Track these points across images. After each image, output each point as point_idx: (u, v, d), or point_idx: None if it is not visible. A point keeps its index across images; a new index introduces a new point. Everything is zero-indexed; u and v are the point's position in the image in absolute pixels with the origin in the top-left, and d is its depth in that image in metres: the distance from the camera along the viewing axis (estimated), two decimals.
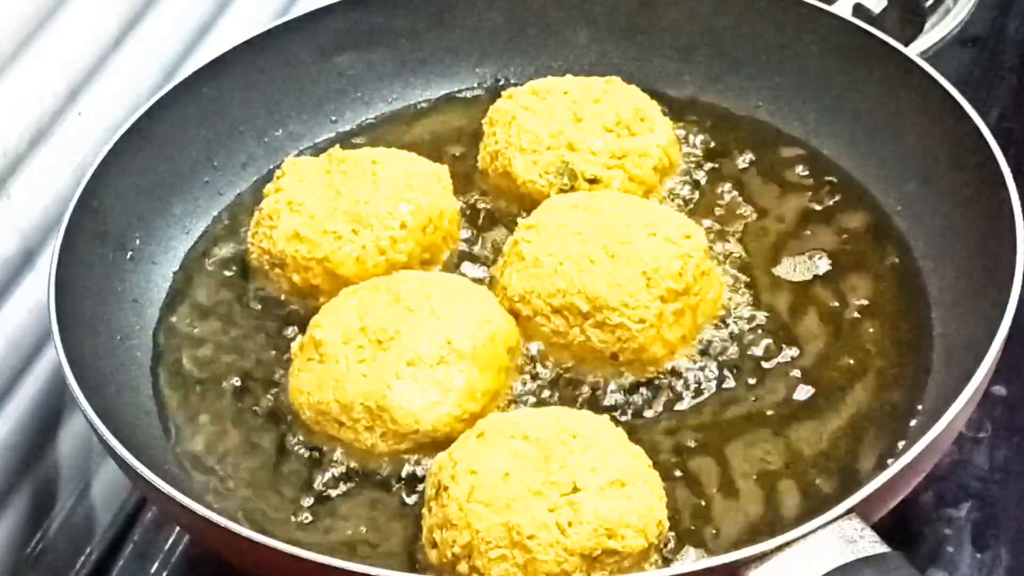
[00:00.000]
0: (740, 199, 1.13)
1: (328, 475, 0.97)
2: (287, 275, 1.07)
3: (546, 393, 1.01)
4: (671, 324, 1.00)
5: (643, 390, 1.00)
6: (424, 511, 0.92)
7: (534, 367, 1.02)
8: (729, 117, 1.21)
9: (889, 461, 0.87)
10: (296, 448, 0.99)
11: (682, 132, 1.18)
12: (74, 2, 1.09)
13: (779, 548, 0.82)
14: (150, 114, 1.13)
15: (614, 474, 0.88)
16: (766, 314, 1.04)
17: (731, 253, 1.09)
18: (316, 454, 0.98)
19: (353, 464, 0.97)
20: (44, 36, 1.06)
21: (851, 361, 1.02)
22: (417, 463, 0.97)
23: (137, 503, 1.12)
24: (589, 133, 1.12)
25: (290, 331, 1.06)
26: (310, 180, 1.09)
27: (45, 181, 1.08)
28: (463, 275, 1.08)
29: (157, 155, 1.14)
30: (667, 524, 0.91)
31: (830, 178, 1.15)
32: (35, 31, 1.05)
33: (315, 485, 0.97)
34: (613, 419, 0.95)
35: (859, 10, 1.33)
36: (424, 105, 1.25)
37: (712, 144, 1.18)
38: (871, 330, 1.03)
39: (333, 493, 0.96)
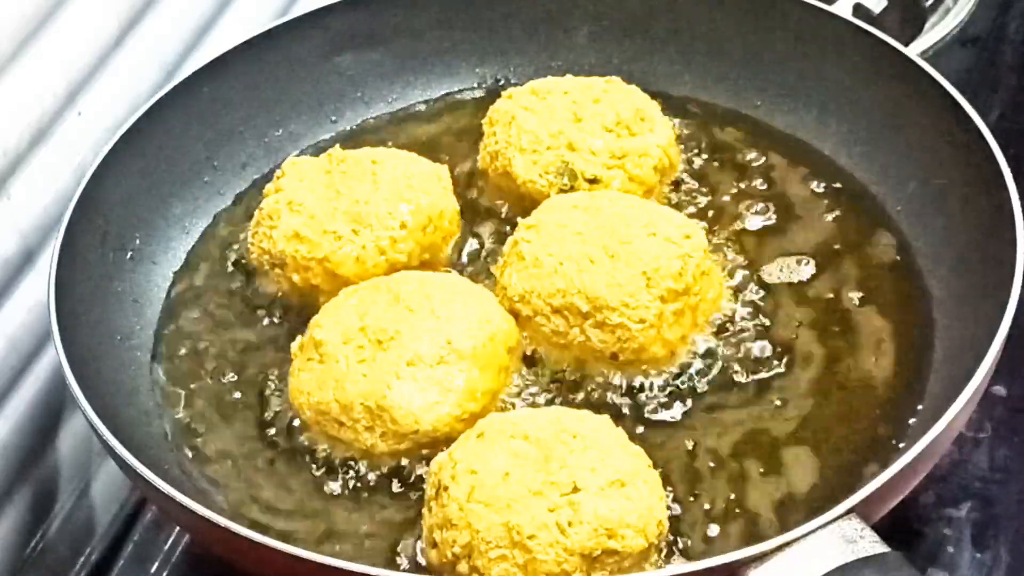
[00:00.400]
0: (740, 199, 1.13)
1: (328, 475, 0.97)
2: (287, 275, 1.07)
3: (546, 393, 1.01)
4: (671, 324, 1.00)
5: (643, 390, 1.00)
6: (424, 511, 0.92)
7: (534, 367, 1.02)
8: (729, 117, 1.21)
9: (889, 461, 0.87)
10: (296, 448, 0.99)
11: (682, 132, 1.18)
12: (74, 2, 1.09)
13: (779, 548, 0.82)
14: (150, 114, 1.13)
15: (614, 474, 0.88)
16: (766, 314, 1.04)
17: (731, 253, 1.09)
18: (316, 454, 0.98)
19: (353, 464, 0.97)
20: (44, 36, 1.06)
21: (851, 361, 1.02)
22: (417, 463, 0.97)
23: (137, 503, 1.12)
24: (589, 133, 1.11)
25: (290, 331, 1.06)
26: (310, 180, 1.09)
27: (45, 181, 1.08)
28: (463, 275, 1.08)
29: (157, 155, 1.14)
30: (667, 524, 0.91)
31: (830, 178, 1.15)
32: (35, 31, 1.05)
33: (315, 485, 0.97)
34: (613, 419, 0.95)
35: (859, 10, 1.33)
36: (424, 105, 1.25)
37: (712, 144, 1.18)
38: (871, 330, 1.03)
39: (333, 493, 0.96)
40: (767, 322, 1.04)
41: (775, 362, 1.02)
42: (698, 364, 1.01)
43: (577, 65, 1.23)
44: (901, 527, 1.00)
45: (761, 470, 0.96)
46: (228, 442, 1.01)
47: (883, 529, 0.84)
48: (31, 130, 1.06)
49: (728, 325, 1.04)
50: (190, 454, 1.00)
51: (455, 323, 0.98)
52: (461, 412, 0.96)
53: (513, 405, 1.00)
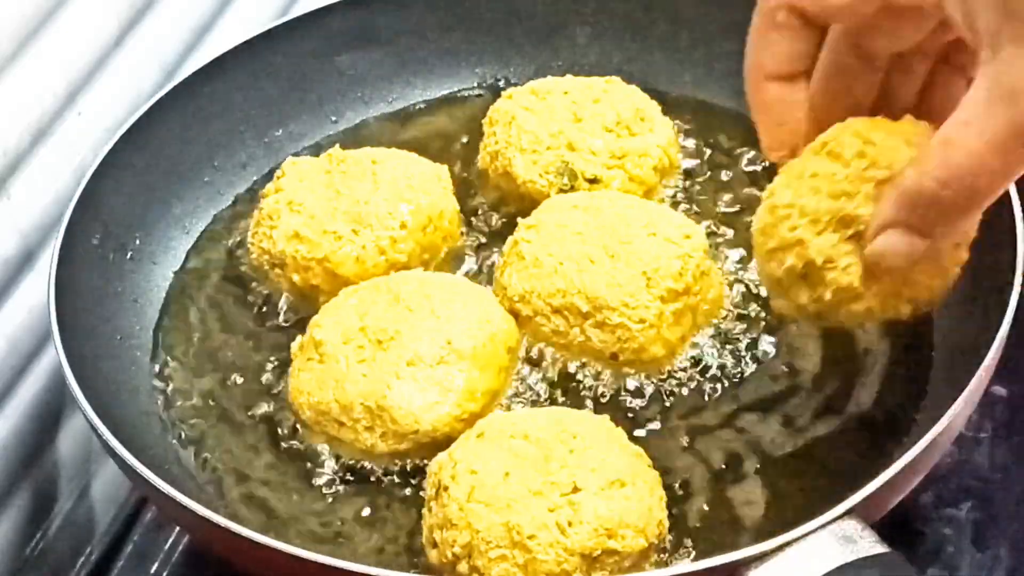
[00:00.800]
0: (740, 199, 1.13)
1: (328, 475, 0.97)
2: (287, 275, 1.07)
3: (546, 393, 1.01)
4: (671, 324, 1.00)
5: (643, 390, 1.00)
6: (424, 511, 0.92)
7: (534, 367, 1.02)
8: (729, 117, 1.20)
9: (889, 461, 0.87)
10: (296, 448, 0.99)
11: (682, 132, 1.18)
12: (74, 2, 1.09)
13: (779, 548, 0.82)
14: (150, 114, 1.13)
15: (614, 474, 0.88)
16: (766, 314, 1.04)
17: (731, 253, 1.09)
18: (316, 454, 0.98)
19: (353, 464, 0.97)
20: (44, 36, 1.06)
21: (851, 361, 1.02)
22: (417, 463, 0.97)
23: (137, 503, 1.12)
24: (589, 133, 1.12)
25: (290, 331, 1.06)
26: (310, 180, 1.09)
27: (45, 181, 1.08)
28: (463, 275, 1.08)
29: (157, 155, 1.14)
30: (667, 524, 0.91)
31: None
32: (35, 31, 1.05)
33: (315, 485, 0.97)
34: (613, 419, 0.95)
35: None
36: (424, 105, 1.26)
37: (712, 144, 1.18)
38: (871, 330, 1.03)
39: (333, 493, 0.96)
40: (767, 322, 1.04)
41: (775, 362, 1.02)
42: (698, 364, 1.01)
43: (577, 65, 1.23)
44: (901, 527, 1.00)
45: (761, 470, 0.96)
46: (228, 442, 1.01)
47: (883, 529, 0.84)
48: (31, 130, 1.06)
49: (728, 325, 1.04)
50: (190, 454, 1.00)
51: (455, 323, 0.98)
52: (461, 412, 0.96)
53: (514, 405, 1.00)
